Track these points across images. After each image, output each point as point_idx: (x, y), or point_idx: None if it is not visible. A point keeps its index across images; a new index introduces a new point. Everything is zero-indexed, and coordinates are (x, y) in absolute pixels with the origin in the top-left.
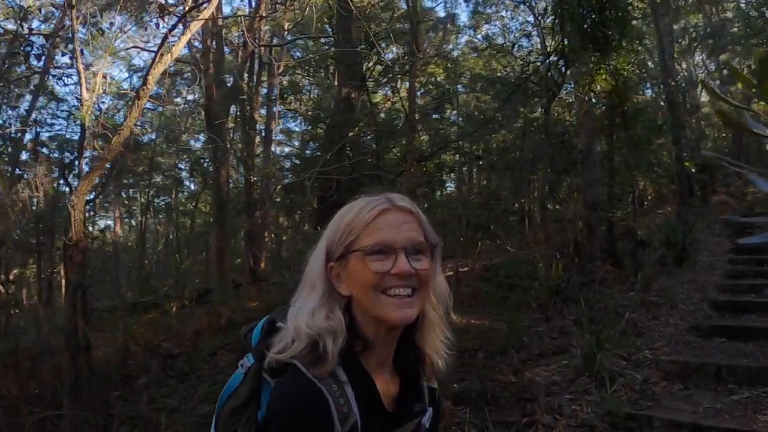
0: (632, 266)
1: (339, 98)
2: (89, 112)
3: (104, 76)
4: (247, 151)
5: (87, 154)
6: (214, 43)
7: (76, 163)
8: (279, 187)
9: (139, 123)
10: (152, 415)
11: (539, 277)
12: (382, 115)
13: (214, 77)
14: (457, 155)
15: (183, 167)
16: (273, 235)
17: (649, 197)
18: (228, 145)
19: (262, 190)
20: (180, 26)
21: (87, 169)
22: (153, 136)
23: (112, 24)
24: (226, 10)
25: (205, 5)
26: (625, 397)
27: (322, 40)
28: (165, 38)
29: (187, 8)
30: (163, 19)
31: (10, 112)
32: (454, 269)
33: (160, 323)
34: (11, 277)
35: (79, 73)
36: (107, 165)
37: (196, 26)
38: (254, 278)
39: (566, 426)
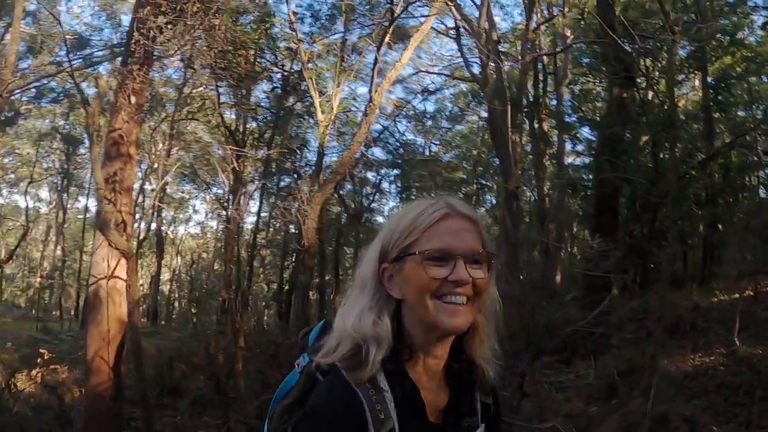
0: None
1: (611, 99)
2: (325, 132)
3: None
4: (536, 163)
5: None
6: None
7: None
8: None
9: (437, 142)
10: None
11: None
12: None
13: (495, 92)
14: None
15: (484, 182)
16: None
17: None
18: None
19: (554, 202)
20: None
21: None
22: (448, 155)
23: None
24: (505, 25)
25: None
26: None
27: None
28: (376, 60)
29: (389, 23)
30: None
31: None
32: (753, 288)
33: None
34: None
35: (312, 99)
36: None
37: (414, 42)
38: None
39: None
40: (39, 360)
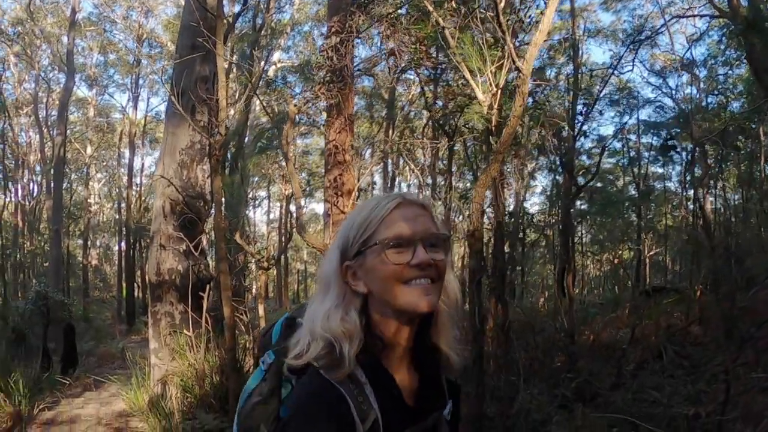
0: None
1: None
2: (490, 112)
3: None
4: None
5: None
6: None
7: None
8: None
9: (716, 92)
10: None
11: None
12: None
13: (746, 23)
14: None
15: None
16: None
17: None
18: None
19: None
20: None
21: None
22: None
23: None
24: None
25: None
26: None
27: None
28: (500, 25)
29: None
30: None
31: None
32: None
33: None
34: None
35: (468, 79)
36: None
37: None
38: None
39: None
40: None
